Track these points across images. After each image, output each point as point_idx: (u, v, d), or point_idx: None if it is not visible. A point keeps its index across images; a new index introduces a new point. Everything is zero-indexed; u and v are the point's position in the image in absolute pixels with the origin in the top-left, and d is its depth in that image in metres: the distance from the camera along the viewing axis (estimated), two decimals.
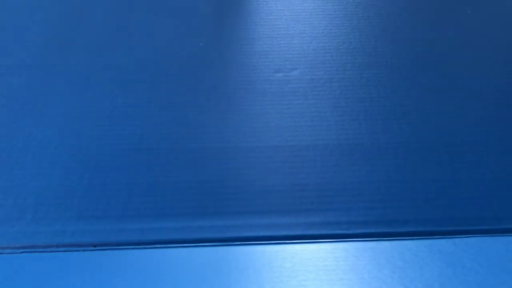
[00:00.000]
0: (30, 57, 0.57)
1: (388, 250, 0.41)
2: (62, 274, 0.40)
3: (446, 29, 0.61)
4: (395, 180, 0.46)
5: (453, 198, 0.45)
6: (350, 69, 0.56)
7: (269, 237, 0.42)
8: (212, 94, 0.53)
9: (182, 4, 0.65)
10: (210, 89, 0.54)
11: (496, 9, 0.64)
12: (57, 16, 0.63)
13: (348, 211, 0.44)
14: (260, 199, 0.45)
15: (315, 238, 0.42)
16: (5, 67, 0.56)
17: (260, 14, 0.63)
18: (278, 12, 0.63)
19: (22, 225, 0.43)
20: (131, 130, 0.50)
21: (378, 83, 0.54)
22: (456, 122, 0.51)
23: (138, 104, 0.52)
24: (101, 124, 0.50)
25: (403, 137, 0.49)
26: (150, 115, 0.51)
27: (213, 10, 0.64)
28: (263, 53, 0.58)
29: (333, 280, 0.40)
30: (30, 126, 0.50)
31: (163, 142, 0.49)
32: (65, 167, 0.47)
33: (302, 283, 0.39)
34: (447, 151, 0.48)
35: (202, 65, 0.56)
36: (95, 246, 0.41)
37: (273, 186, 0.46)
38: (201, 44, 0.59)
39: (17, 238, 0.42)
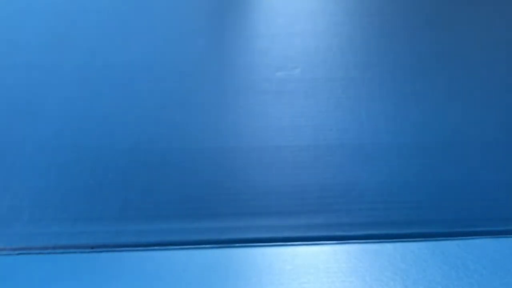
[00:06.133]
0: (27, 56, 0.57)
1: (390, 252, 0.41)
2: (59, 276, 0.39)
3: (449, 28, 0.61)
4: (397, 181, 0.46)
5: (457, 199, 0.44)
6: (352, 68, 0.56)
7: (269, 238, 0.42)
8: (212, 93, 0.53)
9: (182, 4, 0.64)
10: (209, 88, 0.54)
11: (499, 8, 0.64)
12: (55, 15, 0.63)
13: (349, 212, 0.43)
14: (260, 200, 0.44)
15: (316, 240, 0.42)
16: (1, 67, 0.56)
17: (260, 12, 0.63)
18: (279, 10, 0.63)
19: (19, 226, 0.42)
20: (129, 131, 0.49)
21: (380, 82, 0.54)
22: (460, 122, 0.50)
23: (136, 104, 0.52)
24: (99, 125, 0.50)
25: (406, 137, 0.49)
26: (149, 115, 0.51)
27: (213, 9, 0.64)
28: (263, 51, 0.58)
29: (335, 283, 0.39)
30: (26, 126, 0.50)
31: (161, 143, 0.48)
32: (62, 168, 0.46)
33: (303, 285, 0.39)
34: (451, 152, 0.48)
35: (201, 64, 0.56)
36: (92, 248, 0.41)
37: (274, 187, 0.45)
38: (201, 44, 0.59)
39: (13, 239, 0.41)
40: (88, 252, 0.41)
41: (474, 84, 0.54)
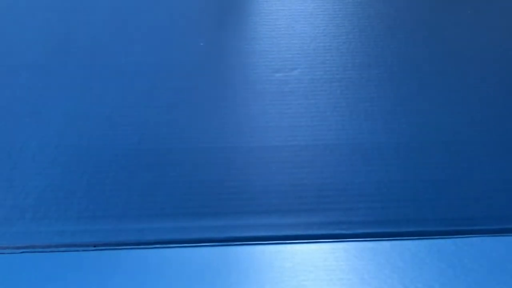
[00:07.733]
0: (29, 57, 0.57)
1: (388, 250, 0.41)
2: (62, 274, 0.39)
3: (446, 29, 0.61)
4: (395, 180, 0.46)
5: (454, 198, 0.45)
6: (350, 69, 0.56)
7: (269, 237, 0.42)
8: (212, 94, 0.53)
9: (181, 4, 0.65)
10: (210, 89, 0.54)
11: (496, 9, 0.64)
12: (57, 16, 0.63)
13: (348, 211, 0.44)
14: (260, 199, 0.45)
15: (315, 238, 0.42)
16: (4, 67, 0.56)
17: (260, 14, 0.63)
18: (278, 12, 0.63)
19: (22, 225, 0.43)
20: (131, 130, 0.50)
21: (378, 83, 0.54)
22: (457, 122, 0.51)
23: (138, 104, 0.52)
24: (101, 124, 0.50)
25: (404, 137, 0.49)
26: (150, 115, 0.51)
27: (213, 10, 0.64)
28: (263, 53, 0.58)
29: (333, 280, 0.40)
30: (29, 126, 0.50)
31: (162, 142, 0.49)
32: (65, 167, 0.47)
33: (302, 283, 0.39)
34: (448, 151, 0.48)
35: (201, 65, 0.57)
36: (95, 246, 0.41)
37: (273, 186, 0.45)
38: (201, 44, 0.59)
39: (17, 238, 0.42)
40: (91, 250, 0.41)
41: (471, 84, 0.54)
